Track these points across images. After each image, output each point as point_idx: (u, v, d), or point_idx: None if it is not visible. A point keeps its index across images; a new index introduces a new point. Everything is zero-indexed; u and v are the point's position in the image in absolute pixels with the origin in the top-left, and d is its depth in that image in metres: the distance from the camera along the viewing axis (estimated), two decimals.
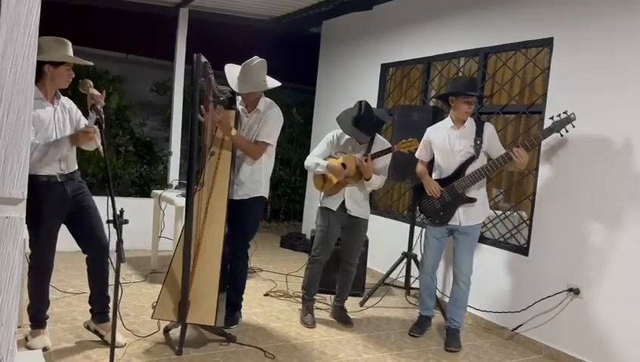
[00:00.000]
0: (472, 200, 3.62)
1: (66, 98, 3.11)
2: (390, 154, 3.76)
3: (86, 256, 3.17)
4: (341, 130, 3.87)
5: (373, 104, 5.73)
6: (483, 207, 3.73)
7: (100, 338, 3.21)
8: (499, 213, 4.38)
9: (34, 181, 2.81)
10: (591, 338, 3.48)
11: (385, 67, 5.72)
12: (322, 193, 3.94)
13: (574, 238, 3.63)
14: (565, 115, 3.41)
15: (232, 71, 3.58)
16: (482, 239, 4.38)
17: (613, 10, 3.50)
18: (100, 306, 3.23)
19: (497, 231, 4.34)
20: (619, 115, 3.42)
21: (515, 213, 4.32)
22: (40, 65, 2.83)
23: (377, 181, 3.75)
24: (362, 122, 3.69)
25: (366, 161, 3.61)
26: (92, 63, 3.20)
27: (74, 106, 3.14)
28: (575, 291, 3.58)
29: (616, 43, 3.47)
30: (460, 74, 4.90)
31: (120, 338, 3.13)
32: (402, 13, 5.46)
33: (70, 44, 3.00)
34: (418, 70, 5.37)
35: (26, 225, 2.79)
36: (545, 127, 3.56)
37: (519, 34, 4.15)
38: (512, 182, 4.51)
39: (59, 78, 2.95)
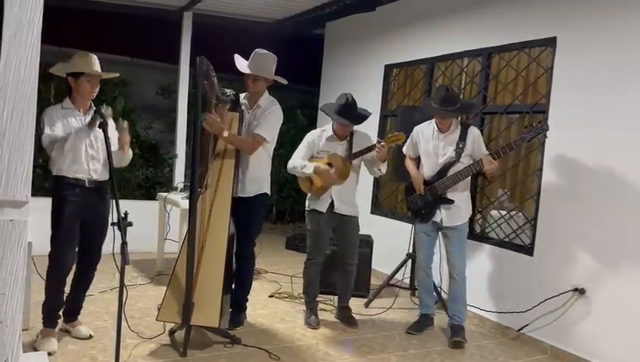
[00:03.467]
0: (450, 201, 3.71)
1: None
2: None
3: (76, 261, 3.26)
4: (319, 130, 3.92)
5: (377, 105, 5.74)
6: (466, 209, 3.83)
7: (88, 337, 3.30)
8: (503, 212, 4.37)
9: (62, 181, 3.07)
10: (597, 338, 3.46)
11: (388, 68, 5.73)
12: (309, 195, 3.94)
13: (579, 238, 3.62)
14: (540, 125, 3.44)
15: (240, 60, 3.64)
16: (487, 239, 4.38)
17: (615, 10, 3.49)
18: (72, 307, 3.33)
19: (502, 231, 4.33)
20: (623, 114, 3.41)
21: (520, 212, 4.31)
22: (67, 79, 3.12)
23: (385, 166, 3.80)
24: (348, 110, 3.74)
25: (382, 146, 3.61)
26: (117, 74, 3.31)
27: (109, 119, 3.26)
28: (580, 291, 3.56)
29: (619, 42, 3.45)
30: (464, 74, 4.90)
31: (85, 330, 3.31)
32: (405, 14, 5.46)
33: (93, 57, 3.14)
34: (422, 70, 5.36)
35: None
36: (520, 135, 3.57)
37: (522, 33, 4.14)
38: (516, 181, 4.49)
39: (82, 90, 3.12)
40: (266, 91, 3.68)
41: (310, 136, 3.94)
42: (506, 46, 4.32)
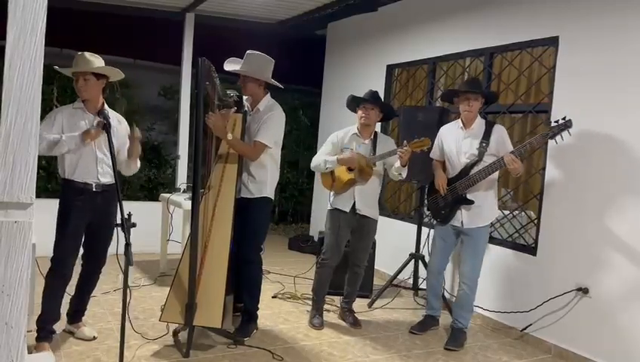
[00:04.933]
0: (470, 202, 3.62)
1: (114, 113, 3.25)
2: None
3: (82, 263, 3.28)
4: (344, 130, 3.93)
5: None
6: (490, 211, 3.71)
7: (90, 339, 3.31)
8: (506, 212, 4.36)
9: (70, 185, 3.07)
10: (600, 338, 3.46)
11: (390, 68, 5.73)
12: (332, 194, 3.93)
13: (582, 237, 3.61)
14: (563, 122, 3.33)
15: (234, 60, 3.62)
16: (490, 239, 4.36)
17: (618, 9, 3.49)
18: (76, 308, 3.33)
19: (505, 230, 4.33)
20: (625, 114, 3.40)
21: (523, 212, 4.31)
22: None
23: (405, 170, 3.77)
24: (372, 97, 3.83)
25: (405, 151, 3.58)
26: (113, 68, 3.14)
27: (123, 121, 3.30)
28: (584, 290, 3.56)
29: (621, 41, 3.45)
30: (466, 74, 4.90)
31: (89, 331, 3.32)
32: (407, 14, 5.46)
33: (80, 55, 3.07)
34: (424, 70, 5.36)
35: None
36: (540, 133, 3.52)
37: (524, 33, 4.14)
38: (519, 181, 4.49)
39: (76, 89, 3.12)
40: (268, 94, 3.61)
41: (334, 137, 3.95)
42: (509, 45, 4.32)
